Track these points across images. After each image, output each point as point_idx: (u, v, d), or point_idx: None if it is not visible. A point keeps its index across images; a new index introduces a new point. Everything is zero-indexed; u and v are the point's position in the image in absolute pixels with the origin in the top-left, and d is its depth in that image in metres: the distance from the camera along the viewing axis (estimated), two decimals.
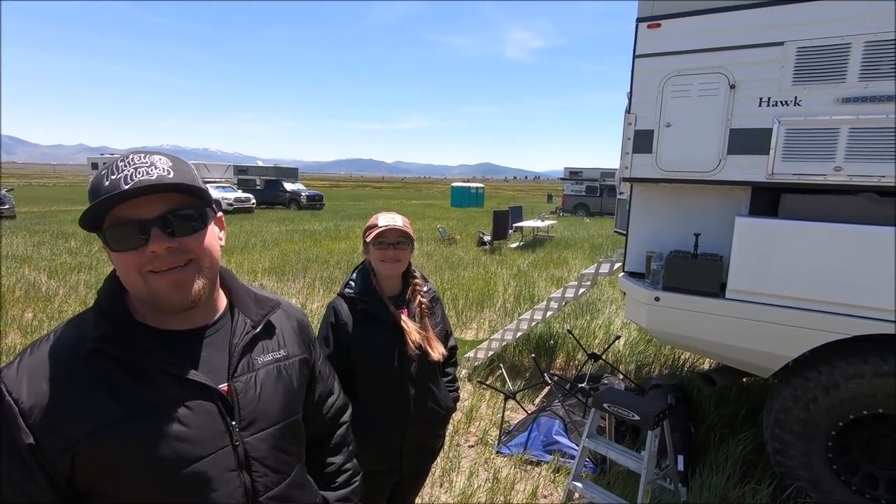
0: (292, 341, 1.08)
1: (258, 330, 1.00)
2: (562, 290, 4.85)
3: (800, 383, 2.65)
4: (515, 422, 3.88)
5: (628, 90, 3.09)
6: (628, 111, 3.07)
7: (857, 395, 2.49)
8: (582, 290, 4.70)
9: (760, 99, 2.65)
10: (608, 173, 27.13)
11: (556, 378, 4.21)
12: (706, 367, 4.62)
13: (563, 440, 3.47)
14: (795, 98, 2.57)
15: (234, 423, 0.91)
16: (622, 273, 3.41)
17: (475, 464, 3.35)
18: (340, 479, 1.21)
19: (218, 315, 0.97)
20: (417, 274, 1.90)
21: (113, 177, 0.80)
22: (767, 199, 2.82)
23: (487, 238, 13.22)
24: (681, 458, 3.05)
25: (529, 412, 3.98)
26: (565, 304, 4.89)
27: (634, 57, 2.98)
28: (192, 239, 0.86)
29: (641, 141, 2.99)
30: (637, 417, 2.55)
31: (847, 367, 2.50)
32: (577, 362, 5.05)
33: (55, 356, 0.83)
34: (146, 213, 0.82)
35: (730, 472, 3.01)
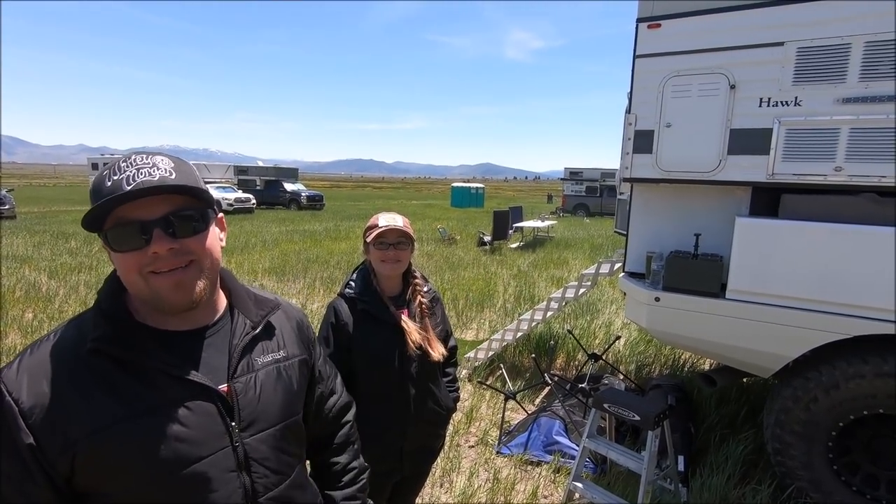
0: (292, 342, 1.08)
1: (258, 331, 1.00)
2: (562, 290, 4.84)
3: (800, 383, 2.65)
4: (516, 422, 3.88)
5: (628, 90, 3.09)
6: (628, 111, 3.07)
7: (858, 395, 2.49)
8: (582, 291, 4.70)
9: (761, 99, 2.65)
10: (608, 174, 27.13)
11: (556, 378, 4.21)
12: (706, 367, 4.62)
13: (564, 440, 3.47)
14: (796, 98, 2.57)
15: (233, 423, 0.90)
16: (622, 273, 3.41)
17: (475, 464, 3.35)
18: (346, 478, 1.21)
19: (218, 316, 0.97)
20: (418, 274, 1.90)
21: (115, 177, 0.80)
22: (768, 200, 2.82)
23: (487, 238, 13.22)
24: (681, 459, 3.05)
25: (530, 412, 3.98)
26: (565, 304, 4.88)
27: (635, 57, 2.98)
28: (194, 240, 0.86)
29: (642, 141, 2.99)
30: (637, 418, 2.55)
31: (847, 367, 2.50)
32: (577, 363, 5.05)
33: (55, 356, 0.83)
34: (148, 214, 0.82)
35: (730, 472, 3.01)
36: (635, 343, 5.29)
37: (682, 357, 4.89)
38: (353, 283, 1.82)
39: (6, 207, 17.41)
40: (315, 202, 28.17)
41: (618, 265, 4.24)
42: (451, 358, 2.03)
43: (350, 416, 1.28)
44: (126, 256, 0.83)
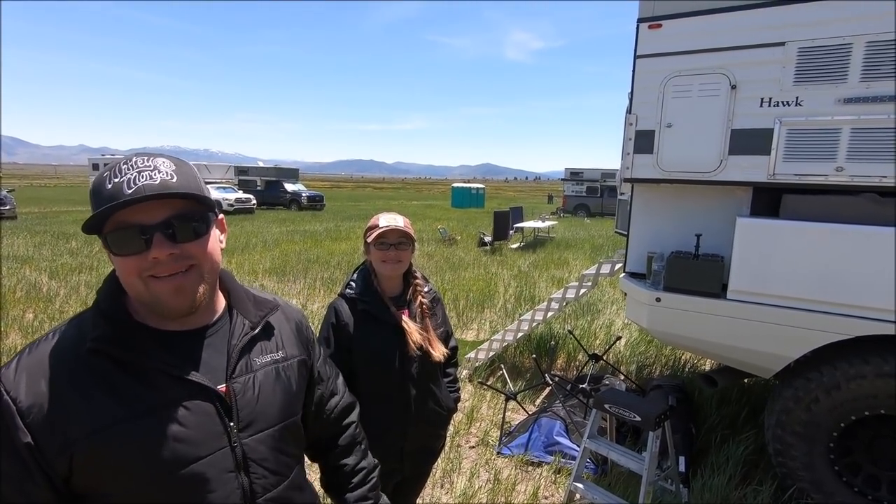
0: (291, 343, 1.07)
1: (256, 331, 0.99)
2: (562, 290, 4.84)
3: (801, 384, 2.64)
4: (516, 422, 3.87)
5: (629, 91, 3.09)
6: (629, 111, 3.06)
7: (859, 395, 2.48)
8: (583, 291, 4.70)
9: (762, 99, 2.64)
10: (609, 174, 27.12)
11: (556, 379, 4.21)
12: (707, 368, 4.62)
13: (564, 441, 3.47)
14: (797, 98, 2.56)
15: (232, 424, 0.90)
16: (623, 274, 3.41)
17: (476, 465, 3.35)
18: (356, 479, 1.21)
19: (217, 316, 0.97)
20: (418, 274, 1.90)
21: (116, 180, 0.80)
22: (768, 200, 2.81)
23: (488, 239, 13.22)
24: (682, 459, 3.05)
25: (530, 413, 3.97)
26: (566, 304, 4.88)
27: (635, 57, 2.98)
28: (195, 245, 0.86)
29: (642, 141, 2.99)
30: (638, 418, 2.55)
31: (848, 367, 2.49)
32: (577, 363, 5.04)
33: (54, 356, 0.82)
34: (148, 218, 0.81)
35: (731, 473, 3.01)
36: (636, 343, 5.28)
37: (683, 358, 4.89)
38: (353, 284, 1.82)
39: (7, 208, 17.43)
40: (315, 202, 28.19)
41: (618, 265, 4.23)
42: (452, 358, 2.02)
43: (354, 416, 1.28)
44: (126, 260, 0.82)
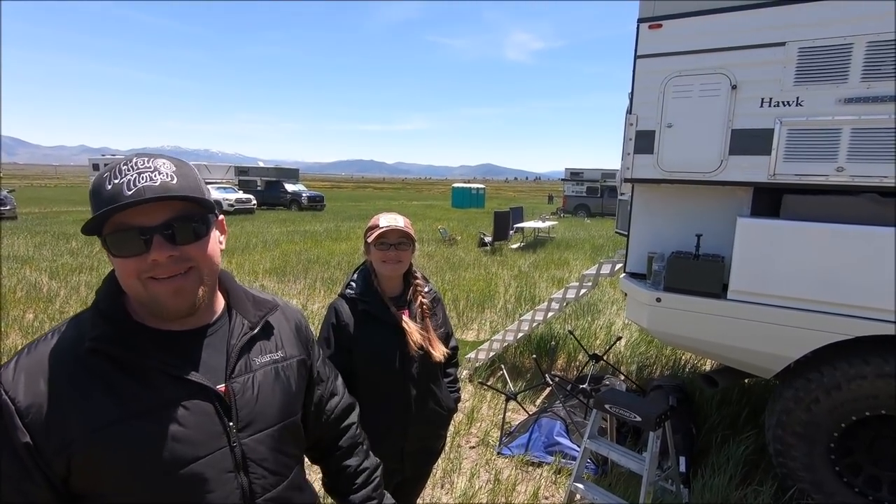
0: (290, 343, 1.07)
1: (256, 331, 0.99)
2: (563, 290, 4.84)
3: (802, 384, 2.64)
4: (517, 423, 3.87)
5: (629, 91, 3.09)
6: (629, 112, 3.06)
7: (859, 396, 2.48)
8: (583, 291, 4.70)
9: (762, 99, 2.64)
10: (609, 174, 27.11)
11: (557, 379, 4.21)
12: (708, 368, 4.62)
13: (565, 441, 3.46)
14: (797, 98, 2.56)
15: (231, 424, 0.90)
16: (623, 274, 3.41)
17: (476, 465, 3.35)
18: (360, 479, 1.21)
19: (216, 316, 0.97)
20: (418, 274, 1.90)
21: (116, 181, 0.79)
22: (769, 200, 2.81)
23: (488, 239, 13.21)
24: (682, 460, 3.05)
25: (531, 413, 3.97)
26: (566, 305, 4.88)
27: (636, 57, 2.98)
28: (195, 247, 0.86)
29: (643, 141, 2.99)
30: (639, 419, 2.55)
31: (849, 368, 2.49)
32: (578, 363, 5.04)
33: (53, 356, 0.82)
34: (148, 220, 0.81)
35: (731, 473, 3.00)
36: (636, 344, 5.28)
37: (684, 358, 4.89)
38: (353, 284, 1.82)
39: (7, 208, 17.45)
40: (316, 203, 28.19)
41: (619, 266, 4.23)
42: (452, 358, 2.02)
43: (354, 417, 1.28)
44: (125, 262, 0.82)
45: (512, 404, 3.98)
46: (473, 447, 3.61)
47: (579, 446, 2.98)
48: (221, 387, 0.91)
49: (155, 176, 0.81)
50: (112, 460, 0.80)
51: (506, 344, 4.94)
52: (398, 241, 1.75)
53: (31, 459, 0.77)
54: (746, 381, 3.90)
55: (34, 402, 0.78)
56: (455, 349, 2.04)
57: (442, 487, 3.10)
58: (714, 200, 2.99)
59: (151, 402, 0.83)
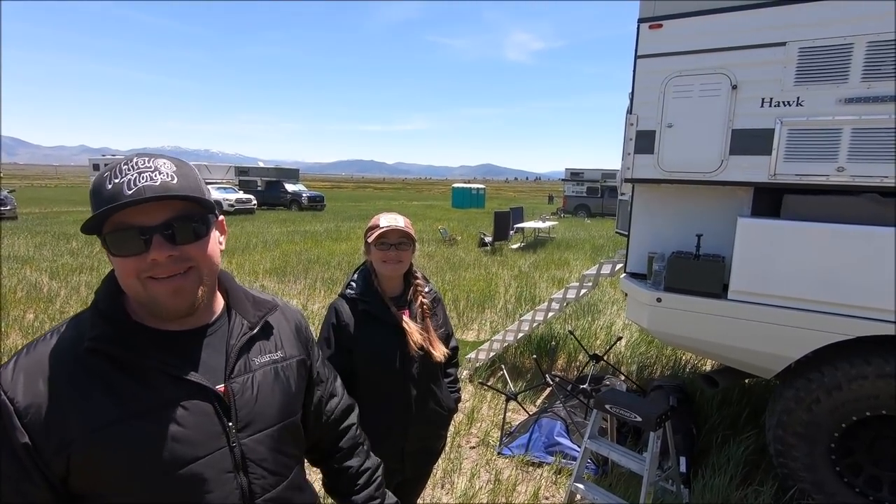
0: (290, 343, 1.07)
1: (255, 331, 0.99)
2: (563, 291, 4.84)
3: (802, 385, 2.64)
4: (517, 423, 3.87)
5: (630, 91, 3.09)
6: (630, 112, 3.06)
7: (860, 396, 2.48)
8: (583, 292, 4.69)
9: (763, 99, 2.64)
10: (609, 174, 27.11)
11: (557, 379, 4.21)
12: (708, 368, 4.61)
13: (565, 441, 3.46)
14: (798, 98, 2.56)
15: (230, 424, 0.90)
16: (624, 274, 3.41)
17: (477, 465, 3.35)
18: (361, 480, 1.21)
19: (215, 316, 0.97)
20: (419, 274, 1.90)
21: (116, 180, 0.79)
22: (769, 200, 2.81)
23: (488, 239, 13.21)
24: (683, 460, 3.04)
25: (531, 413, 3.97)
26: (566, 305, 4.88)
27: (636, 57, 2.98)
28: (194, 247, 0.85)
29: (643, 141, 2.99)
30: (639, 419, 2.54)
31: (850, 368, 2.49)
32: (578, 363, 5.04)
33: (53, 356, 0.82)
34: (148, 219, 0.81)
35: (732, 473, 3.00)
36: (636, 344, 5.28)
37: (684, 358, 4.89)
38: (354, 284, 1.82)
39: (8, 208, 17.45)
40: (316, 203, 28.20)
41: (619, 266, 4.23)
42: (453, 358, 2.02)
43: (353, 418, 1.27)
44: (125, 261, 0.82)
45: (512, 404, 3.98)
46: (474, 447, 3.61)
47: (580, 446, 2.97)
48: (221, 387, 0.91)
49: (155, 175, 0.81)
50: (111, 460, 0.80)
51: (506, 344, 4.94)
52: (398, 241, 1.75)
53: (30, 460, 0.77)
54: (747, 381, 3.90)
55: (33, 403, 0.78)
56: (455, 349, 2.04)
57: (442, 487, 3.10)
58: (714, 200, 2.99)
59: (151, 403, 0.83)
